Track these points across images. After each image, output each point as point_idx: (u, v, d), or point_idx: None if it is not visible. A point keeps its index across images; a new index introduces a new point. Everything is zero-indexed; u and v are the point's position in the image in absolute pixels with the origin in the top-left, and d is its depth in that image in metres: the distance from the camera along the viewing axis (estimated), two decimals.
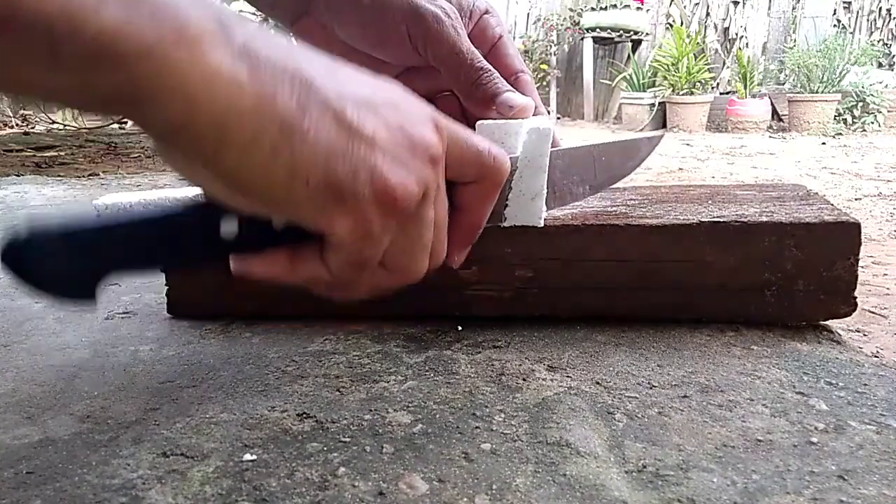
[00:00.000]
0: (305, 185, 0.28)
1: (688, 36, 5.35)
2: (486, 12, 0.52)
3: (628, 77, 5.64)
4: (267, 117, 0.26)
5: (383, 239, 0.31)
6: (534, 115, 0.50)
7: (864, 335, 1.01)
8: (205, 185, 0.30)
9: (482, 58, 0.49)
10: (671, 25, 5.94)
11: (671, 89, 5.29)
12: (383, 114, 0.30)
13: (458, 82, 0.49)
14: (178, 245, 0.31)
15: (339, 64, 0.31)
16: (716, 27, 6.20)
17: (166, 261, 0.32)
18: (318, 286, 0.34)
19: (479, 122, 0.49)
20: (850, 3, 5.94)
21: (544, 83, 6.10)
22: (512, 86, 0.50)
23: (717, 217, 0.52)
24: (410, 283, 0.36)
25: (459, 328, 0.54)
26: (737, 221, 0.51)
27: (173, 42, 0.24)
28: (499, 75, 0.49)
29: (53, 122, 4.94)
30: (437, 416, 0.41)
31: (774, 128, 5.20)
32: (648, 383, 0.45)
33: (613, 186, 0.60)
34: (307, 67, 0.28)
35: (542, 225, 0.50)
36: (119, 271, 0.31)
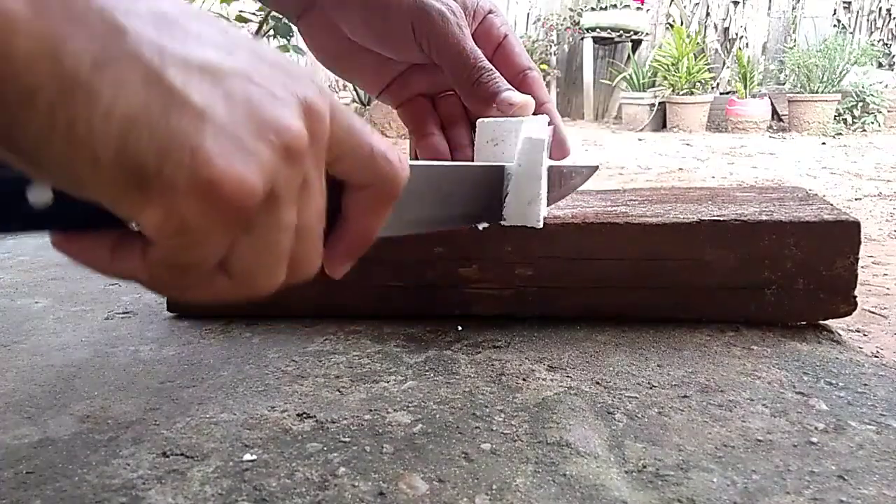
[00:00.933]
0: (94, 162, 0.22)
1: (688, 36, 5.35)
2: (491, 12, 0.52)
3: (628, 77, 5.64)
4: (46, 70, 0.20)
5: (211, 240, 0.24)
6: (544, 111, 0.51)
7: (864, 335, 1.01)
8: None
9: (484, 57, 0.49)
10: (671, 25, 5.94)
11: (671, 89, 5.29)
12: (229, 84, 0.24)
13: (459, 81, 0.49)
14: None
15: (191, 14, 0.24)
16: (716, 27, 6.20)
17: None
18: (145, 285, 0.27)
19: (479, 121, 0.49)
20: (850, 3, 5.95)
21: (544, 83, 6.11)
22: (520, 83, 0.51)
23: (717, 216, 0.52)
24: (262, 294, 0.29)
25: (459, 328, 0.54)
26: (737, 220, 0.51)
27: None
28: (499, 74, 0.49)
29: None
30: (437, 416, 0.41)
31: (774, 128, 5.20)
32: (648, 383, 0.45)
33: (613, 187, 0.60)
34: (124, 10, 0.22)
35: (541, 226, 0.50)
36: None
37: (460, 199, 0.44)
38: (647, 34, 6.08)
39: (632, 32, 5.94)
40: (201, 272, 0.26)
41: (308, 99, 0.26)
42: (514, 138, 0.47)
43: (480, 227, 0.52)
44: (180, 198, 0.23)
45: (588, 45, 6.01)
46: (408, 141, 0.57)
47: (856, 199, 2.29)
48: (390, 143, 0.31)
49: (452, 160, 0.53)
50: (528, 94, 0.50)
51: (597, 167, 0.59)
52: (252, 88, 0.24)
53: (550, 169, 0.52)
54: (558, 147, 0.53)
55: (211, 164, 0.23)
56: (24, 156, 0.22)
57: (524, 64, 0.52)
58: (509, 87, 0.49)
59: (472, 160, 0.52)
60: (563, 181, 0.54)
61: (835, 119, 4.94)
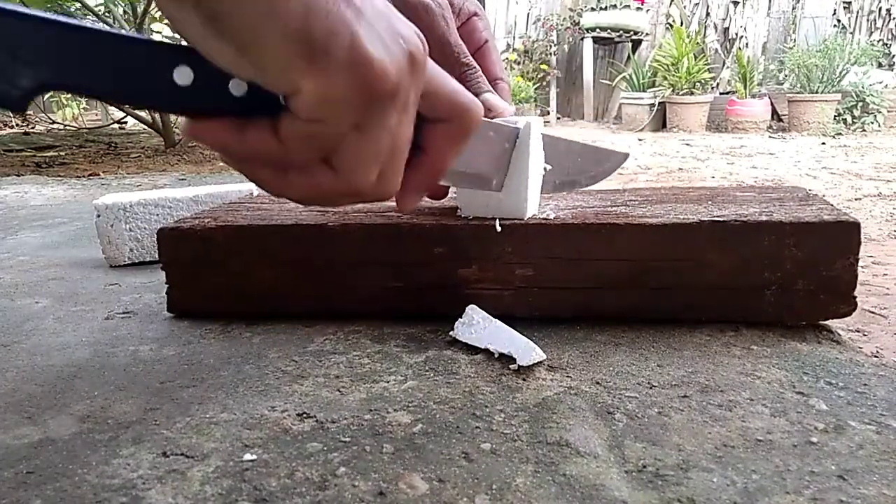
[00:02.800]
0: (282, 31, 0.26)
1: (688, 36, 5.35)
2: (476, 14, 0.53)
3: (628, 77, 5.64)
4: None
5: (344, 118, 0.29)
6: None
7: (864, 335, 1.01)
8: (181, 19, 0.28)
9: (468, 54, 0.50)
10: (671, 25, 5.94)
11: (671, 89, 5.29)
12: (372, 1, 0.29)
13: None
14: (125, 74, 0.29)
15: None
16: (716, 27, 6.20)
17: (111, 88, 0.29)
18: (262, 168, 0.32)
19: None
20: (850, 3, 5.94)
21: (544, 83, 6.10)
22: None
23: (717, 217, 0.52)
24: (351, 200, 0.34)
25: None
26: (737, 221, 0.51)
27: None
28: (482, 75, 0.50)
29: (53, 122, 4.94)
30: (437, 416, 0.41)
31: (774, 128, 5.20)
32: (648, 383, 0.45)
33: (613, 187, 0.60)
34: None
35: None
36: (57, 86, 0.28)
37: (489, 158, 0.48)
38: (647, 34, 6.08)
39: (632, 32, 5.94)
40: (316, 155, 0.31)
41: (418, 33, 0.31)
42: (494, 138, 0.48)
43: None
44: (337, 70, 0.28)
45: (588, 45, 6.00)
46: None
47: (856, 199, 2.29)
48: (466, 89, 0.35)
49: None
50: None
51: (627, 155, 0.61)
52: (385, 8, 0.30)
53: (582, 149, 0.53)
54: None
55: (366, 48, 0.28)
56: (216, 21, 0.26)
57: (498, 73, 0.54)
58: (490, 89, 0.51)
59: None
60: (594, 164, 0.55)
61: (835, 119, 4.93)
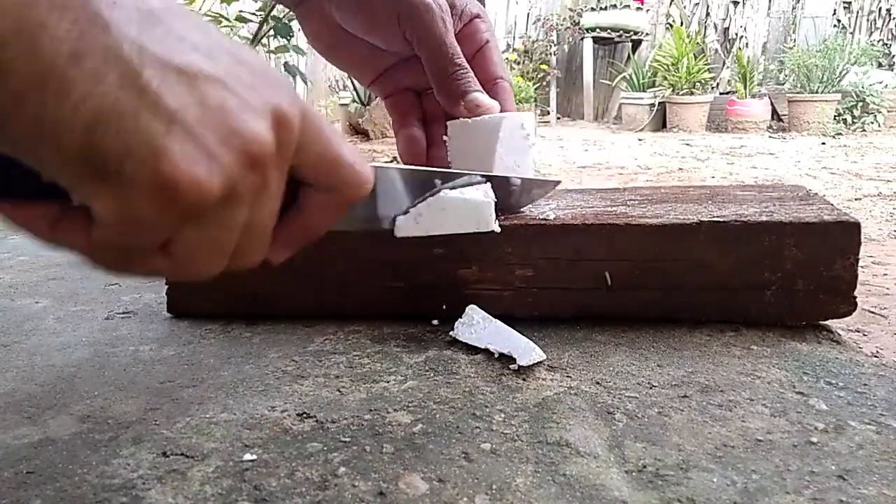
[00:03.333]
0: (57, 148, 0.22)
1: (688, 36, 5.35)
2: (478, 16, 0.54)
3: (628, 77, 5.64)
4: (21, 53, 0.20)
5: (158, 230, 0.25)
6: None
7: (864, 335, 1.01)
8: None
9: (462, 55, 0.51)
10: (671, 25, 5.94)
11: (671, 89, 5.29)
12: (203, 89, 0.24)
13: (434, 73, 0.51)
14: None
15: (177, 13, 0.24)
16: (716, 27, 6.20)
17: None
18: (84, 258, 0.27)
19: (449, 122, 0.52)
20: (850, 3, 5.94)
21: (544, 83, 6.10)
22: (491, 90, 0.53)
23: (717, 217, 0.52)
24: (197, 278, 0.30)
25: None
26: (737, 221, 0.51)
27: None
28: (473, 76, 0.51)
29: None
30: (437, 416, 0.41)
31: (774, 128, 5.20)
32: (648, 383, 0.45)
33: (613, 187, 0.60)
34: (110, 2, 0.22)
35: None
36: None
37: (407, 200, 0.45)
38: (647, 34, 6.08)
39: (632, 32, 5.94)
40: (143, 252, 0.26)
41: (280, 108, 0.26)
42: (485, 139, 0.48)
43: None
44: (136, 193, 0.23)
45: (588, 45, 6.01)
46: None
47: (856, 199, 2.29)
48: (357, 152, 0.31)
49: (428, 155, 0.56)
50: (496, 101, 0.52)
51: (559, 182, 0.59)
52: (226, 95, 0.24)
53: (510, 180, 0.52)
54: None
55: (171, 165, 0.23)
56: None
57: (498, 72, 0.55)
58: (479, 89, 0.51)
59: (446, 157, 0.54)
60: (522, 192, 0.55)
61: (835, 119, 4.94)
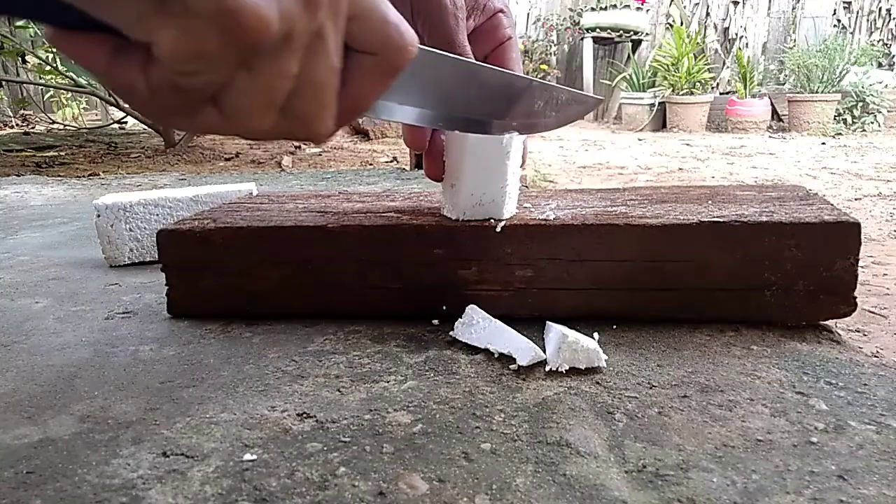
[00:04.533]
0: None
1: (688, 36, 5.35)
2: (501, 11, 0.53)
3: (628, 77, 5.64)
4: None
5: (215, 69, 0.25)
6: None
7: (864, 335, 1.01)
8: None
9: (471, 54, 0.50)
10: (671, 25, 5.94)
11: (671, 89, 5.29)
12: None
13: None
14: None
15: None
16: (716, 27, 6.20)
17: None
18: (136, 101, 0.27)
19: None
20: (850, 3, 5.94)
21: None
22: None
23: (717, 217, 0.52)
24: (250, 137, 0.30)
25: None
26: (737, 221, 0.51)
27: None
28: None
29: (53, 122, 4.94)
30: (437, 416, 0.41)
31: (774, 128, 5.20)
32: (648, 383, 0.45)
33: (613, 187, 0.60)
34: None
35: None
36: None
37: (464, 103, 0.43)
38: (647, 34, 6.08)
39: (632, 32, 5.94)
40: (196, 98, 0.26)
41: None
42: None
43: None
44: (200, 22, 0.23)
45: (588, 45, 6.00)
46: None
47: (856, 199, 2.29)
48: (402, 18, 0.31)
49: (431, 139, 0.55)
50: None
51: (601, 100, 0.59)
52: None
53: (545, 88, 0.51)
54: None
55: None
56: None
57: (514, 70, 0.54)
58: None
59: (443, 146, 0.54)
60: (559, 104, 0.53)
61: (835, 119, 4.93)
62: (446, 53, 0.41)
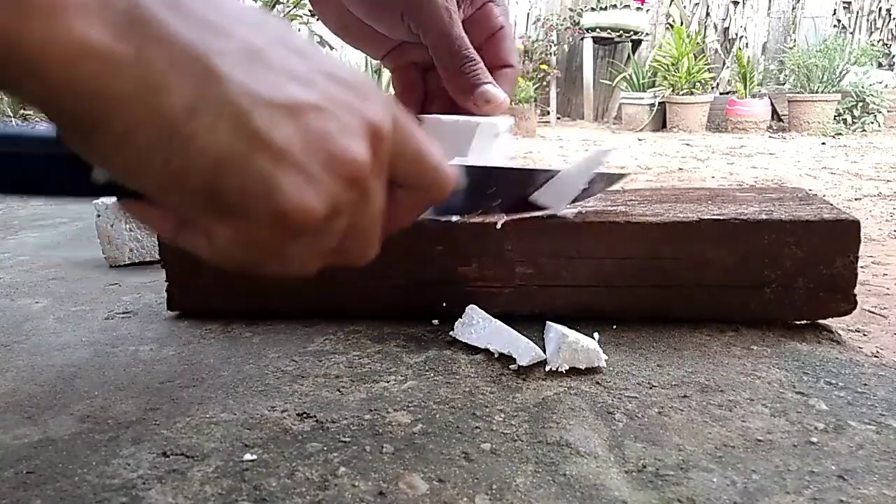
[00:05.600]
0: (181, 189, 0.24)
1: (688, 36, 5.35)
2: (491, 0, 0.53)
3: (628, 77, 5.64)
4: (144, 114, 0.22)
5: (270, 249, 0.28)
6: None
7: (864, 335, 1.01)
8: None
9: (470, 45, 0.50)
10: (671, 25, 5.94)
11: (671, 89, 5.29)
12: (305, 121, 0.26)
13: (442, 66, 0.50)
14: (40, 174, 0.27)
15: (277, 40, 0.26)
16: (716, 27, 6.20)
17: (24, 187, 0.27)
18: (204, 257, 0.30)
19: (424, 117, 0.51)
20: (850, 3, 5.94)
21: (544, 83, 6.10)
22: (495, 76, 0.51)
23: (718, 215, 0.52)
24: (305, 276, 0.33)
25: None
26: (737, 219, 0.51)
27: (25, 7, 0.19)
28: (483, 66, 0.50)
29: None
30: (437, 416, 0.41)
31: (774, 128, 5.20)
32: (648, 383, 0.45)
33: (612, 188, 0.60)
34: (218, 51, 0.23)
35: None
36: None
37: (490, 193, 0.48)
38: (647, 34, 6.08)
39: (632, 32, 5.94)
40: (255, 261, 0.29)
41: (374, 122, 0.28)
42: (466, 139, 0.49)
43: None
44: (252, 223, 0.26)
45: (588, 45, 6.00)
46: None
47: (856, 199, 2.29)
48: (442, 153, 0.33)
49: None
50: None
51: (628, 175, 0.60)
52: (326, 121, 0.26)
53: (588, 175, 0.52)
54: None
55: (283, 197, 0.25)
56: (115, 170, 0.24)
57: (508, 60, 0.53)
58: (490, 80, 0.50)
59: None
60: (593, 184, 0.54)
61: (835, 119, 4.94)
62: (474, 163, 0.46)
